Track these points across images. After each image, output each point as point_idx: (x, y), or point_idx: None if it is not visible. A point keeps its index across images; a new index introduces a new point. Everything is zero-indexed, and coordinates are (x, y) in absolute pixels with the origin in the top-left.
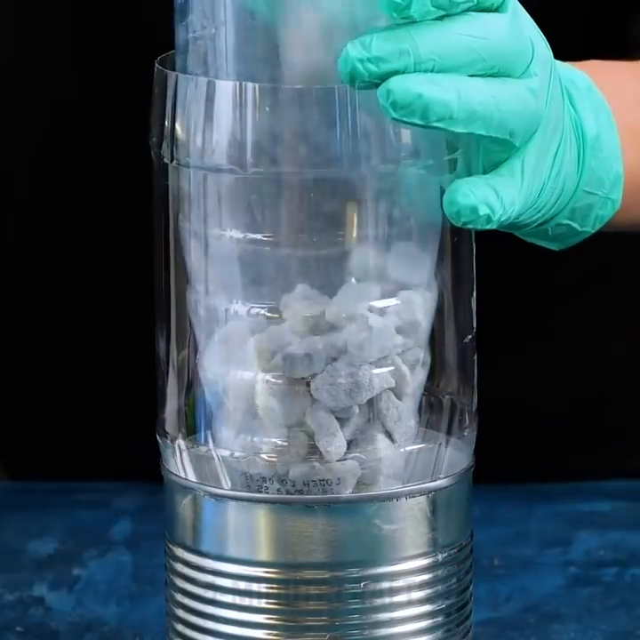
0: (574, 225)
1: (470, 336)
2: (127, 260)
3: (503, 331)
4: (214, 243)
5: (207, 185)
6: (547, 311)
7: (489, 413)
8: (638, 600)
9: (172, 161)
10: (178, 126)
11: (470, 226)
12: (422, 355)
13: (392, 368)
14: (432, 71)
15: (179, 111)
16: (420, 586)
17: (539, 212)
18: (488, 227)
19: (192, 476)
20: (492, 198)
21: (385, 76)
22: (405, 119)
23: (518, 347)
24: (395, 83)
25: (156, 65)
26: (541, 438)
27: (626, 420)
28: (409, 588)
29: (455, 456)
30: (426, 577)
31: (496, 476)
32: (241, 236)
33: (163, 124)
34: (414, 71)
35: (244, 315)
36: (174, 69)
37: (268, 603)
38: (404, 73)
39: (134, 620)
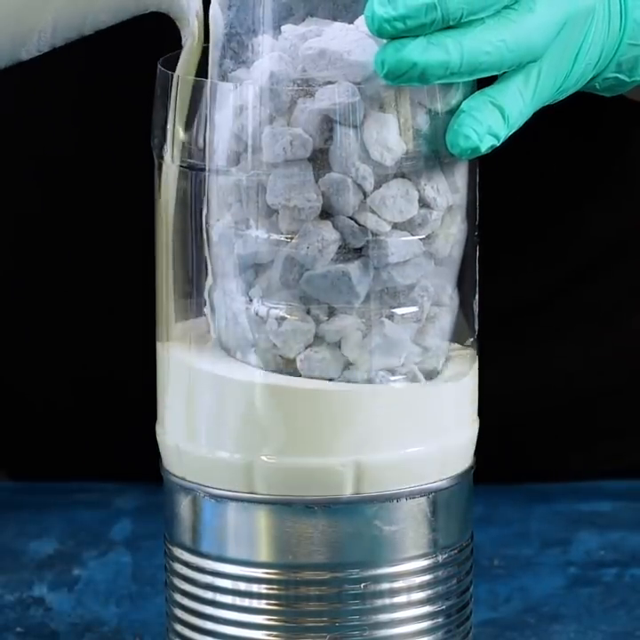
0: (622, 77)
1: (472, 339)
2: (128, 261)
3: (501, 330)
4: (216, 241)
5: (208, 186)
6: (543, 310)
7: (488, 412)
8: (638, 600)
9: (173, 162)
10: (179, 127)
11: (476, 155)
12: (440, 364)
13: (408, 376)
14: (460, 20)
15: (180, 112)
16: (421, 587)
17: (569, 89)
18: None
19: (192, 477)
20: (497, 124)
21: (412, 31)
22: (403, 84)
23: (516, 346)
24: (388, 54)
25: (159, 66)
26: (540, 436)
27: (624, 416)
28: (409, 589)
29: (455, 457)
30: (426, 578)
31: (496, 476)
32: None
33: (164, 126)
34: (442, 24)
35: (264, 315)
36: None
37: (268, 604)
38: (432, 26)
39: (134, 620)
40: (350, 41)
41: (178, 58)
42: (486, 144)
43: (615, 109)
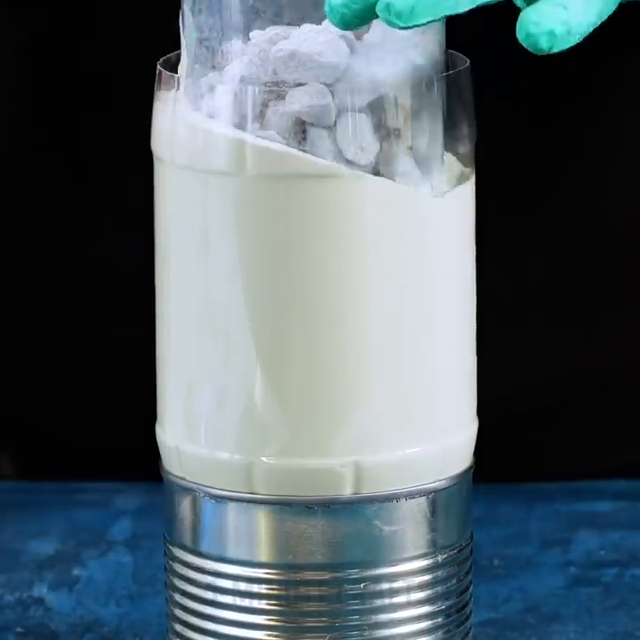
0: None
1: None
2: (128, 261)
3: (499, 328)
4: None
5: (208, 188)
6: (541, 308)
7: (488, 412)
8: (638, 600)
9: (173, 162)
10: (179, 128)
11: (554, 50)
12: None
13: None
14: None
15: (179, 112)
16: (420, 587)
17: None
18: (571, 42)
19: (192, 477)
20: (563, 15)
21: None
22: (417, 25)
23: (514, 345)
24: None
25: (158, 66)
26: (540, 435)
27: (623, 413)
28: (409, 589)
29: (455, 457)
30: (426, 578)
31: (496, 475)
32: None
33: (164, 126)
34: None
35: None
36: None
37: (268, 604)
38: None
39: (134, 620)
40: (321, 42)
41: (178, 58)
42: (559, 28)
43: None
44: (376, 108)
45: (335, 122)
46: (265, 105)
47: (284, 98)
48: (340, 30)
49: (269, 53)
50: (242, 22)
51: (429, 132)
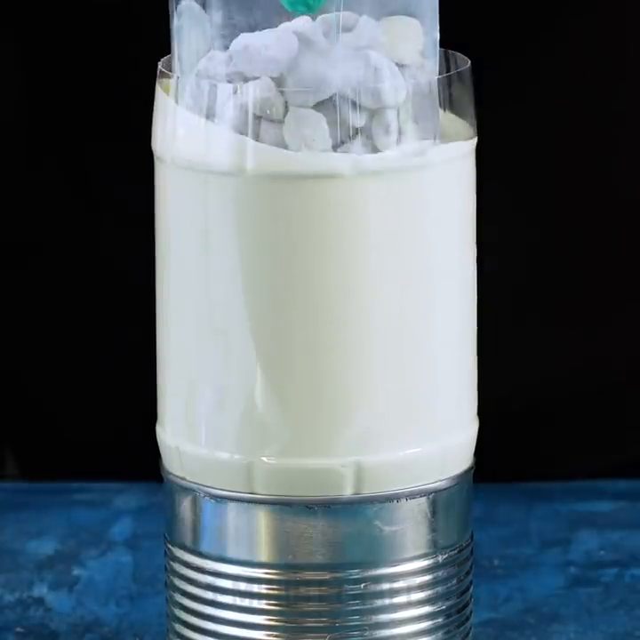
0: None
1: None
2: (128, 261)
3: (499, 327)
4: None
5: (208, 188)
6: (541, 308)
7: (488, 411)
8: (638, 600)
9: (173, 163)
10: (179, 128)
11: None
12: None
13: None
14: None
15: (180, 112)
16: (421, 587)
17: None
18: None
19: (192, 477)
20: None
21: None
22: None
23: (516, 343)
24: None
25: (159, 66)
26: (540, 433)
27: (624, 411)
28: (409, 590)
29: (455, 457)
30: (426, 578)
31: (496, 475)
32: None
33: (164, 126)
34: None
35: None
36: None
37: (268, 604)
38: None
39: (134, 620)
40: (272, 37)
41: None
42: None
43: None
44: (326, 107)
45: (284, 116)
46: (227, 99)
47: (236, 92)
48: (296, 27)
49: (231, 48)
50: (222, 34)
51: (386, 129)
